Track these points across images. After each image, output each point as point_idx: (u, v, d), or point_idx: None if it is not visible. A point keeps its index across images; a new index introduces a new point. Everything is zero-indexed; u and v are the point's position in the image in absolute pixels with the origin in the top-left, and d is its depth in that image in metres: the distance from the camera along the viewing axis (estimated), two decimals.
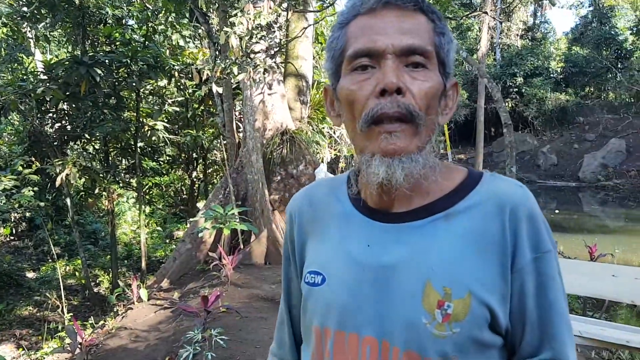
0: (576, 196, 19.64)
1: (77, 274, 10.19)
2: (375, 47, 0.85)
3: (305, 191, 1.11)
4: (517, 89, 23.77)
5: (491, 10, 12.28)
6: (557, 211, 15.78)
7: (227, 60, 6.03)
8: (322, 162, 10.65)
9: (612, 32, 26.15)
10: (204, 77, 6.77)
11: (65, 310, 7.59)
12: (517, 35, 29.05)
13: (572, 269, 4.15)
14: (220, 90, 7.32)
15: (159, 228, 14.01)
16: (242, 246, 7.15)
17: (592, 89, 26.19)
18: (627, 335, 3.51)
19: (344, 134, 12.35)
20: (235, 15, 5.51)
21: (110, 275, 9.54)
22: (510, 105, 23.38)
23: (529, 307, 0.89)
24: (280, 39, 7.72)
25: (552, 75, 25.01)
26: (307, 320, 1.01)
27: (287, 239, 1.11)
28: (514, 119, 22.34)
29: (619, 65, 25.78)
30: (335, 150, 12.41)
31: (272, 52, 7.03)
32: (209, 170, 12.95)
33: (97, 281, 10.01)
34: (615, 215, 15.91)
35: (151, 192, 13.14)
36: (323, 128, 10.55)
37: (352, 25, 0.90)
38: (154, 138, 9.28)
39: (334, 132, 11.71)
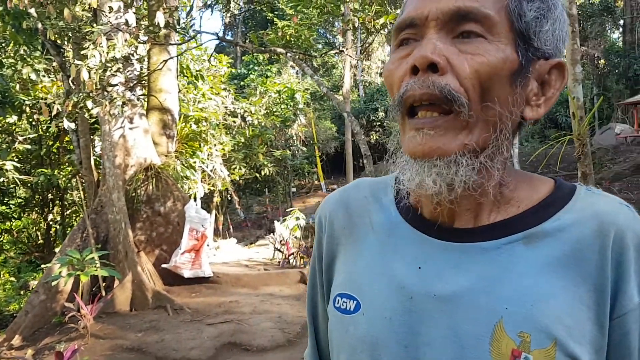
0: None
1: None
2: (417, 14, 0.68)
3: (341, 193, 0.90)
4: (379, 123, 25.27)
5: (351, 48, 13.03)
6: None
7: (81, 94, 5.67)
8: (194, 197, 10.38)
9: None
10: (55, 112, 6.29)
11: None
12: (377, 73, 31.13)
13: None
14: (72, 125, 6.84)
15: (12, 278, 12.59)
16: (103, 293, 6.63)
17: None
18: None
19: (218, 168, 12.19)
20: (88, 48, 5.22)
21: None
22: (374, 138, 24.73)
23: None
24: (141, 72, 7.45)
25: None
26: (334, 354, 0.81)
27: (315, 250, 0.91)
28: (379, 150, 23.66)
29: None
30: (209, 184, 12.16)
31: (131, 85, 6.75)
32: (68, 212, 12.00)
33: None
34: None
35: (1, 239, 11.85)
36: (194, 162, 10.30)
37: None
38: (2, 179, 8.39)
39: (207, 166, 11.49)
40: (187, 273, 7.22)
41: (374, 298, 0.74)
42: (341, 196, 0.88)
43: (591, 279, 0.66)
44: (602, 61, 25.65)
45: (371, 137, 24.37)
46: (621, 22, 27.36)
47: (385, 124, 25.14)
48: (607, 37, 28.43)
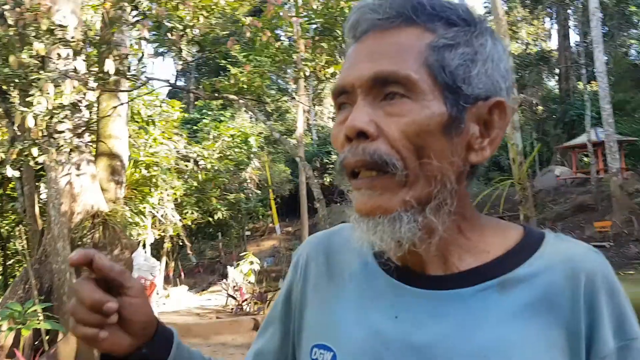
0: None
1: None
2: (344, 82, 0.69)
3: (322, 236, 0.88)
4: (332, 166, 25.59)
5: (303, 95, 13.31)
6: None
7: (26, 142, 5.55)
8: (143, 244, 10.12)
9: None
10: None
11: None
12: (329, 117, 31.78)
13: None
14: (17, 173, 6.65)
15: None
16: (46, 348, 6.32)
17: None
18: None
19: (169, 213, 11.96)
20: (34, 95, 5.15)
21: None
22: (328, 180, 24.97)
23: None
24: (90, 118, 7.38)
25: None
26: None
27: (285, 289, 0.88)
28: (333, 193, 23.87)
29: None
30: (159, 230, 11.90)
31: (79, 132, 6.65)
32: (10, 262, 11.45)
33: None
34: None
35: None
36: (144, 208, 10.11)
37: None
38: None
39: (158, 212, 11.28)
40: None
41: (350, 349, 0.72)
42: (323, 240, 0.86)
43: (565, 325, 0.66)
44: (540, 108, 27.13)
45: (325, 179, 24.62)
46: (556, 70, 29.19)
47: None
48: (544, 85, 30.19)
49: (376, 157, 0.65)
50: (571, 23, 29.68)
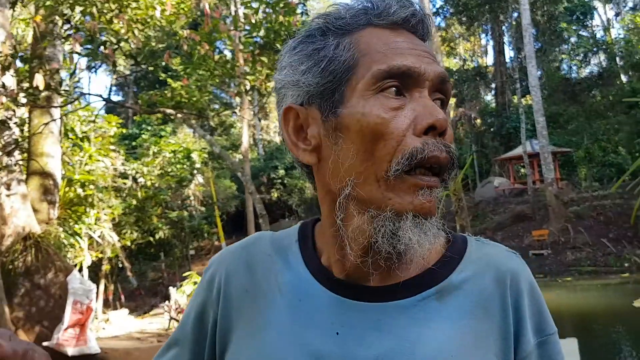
0: None
1: None
2: (416, 67, 0.64)
3: (240, 248, 0.79)
4: (280, 180, 25.55)
5: (248, 109, 13.23)
6: None
7: None
8: (79, 267, 9.70)
9: None
10: None
11: None
12: (275, 132, 31.78)
13: None
14: None
15: None
16: None
17: None
18: None
19: (106, 233, 11.52)
20: None
21: None
22: (276, 195, 24.90)
23: None
24: (21, 136, 7.05)
25: None
26: None
27: (195, 312, 0.78)
28: (280, 207, 23.84)
29: None
30: (97, 251, 11.46)
31: (9, 150, 6.34)
32: None
33: None
34: None
35: None
36: (80, 229, 9.71)
37: (366, 36, 0.67)
38: None
39: (94, 232, 10.87)
40: (71, 350, 6.67)
41: None
42: (242, 252, 0.78)
43: (497, 328, 0.67)
44: (478, 121, 28.15)
45: (272, 194, 24.51)
46: (493, 85, 30.43)
47: (285, 181, 25.44)
48: (481, 99, 31.42)
49: (455, 157, 0.66)
50: (506, 39, 31.12)
